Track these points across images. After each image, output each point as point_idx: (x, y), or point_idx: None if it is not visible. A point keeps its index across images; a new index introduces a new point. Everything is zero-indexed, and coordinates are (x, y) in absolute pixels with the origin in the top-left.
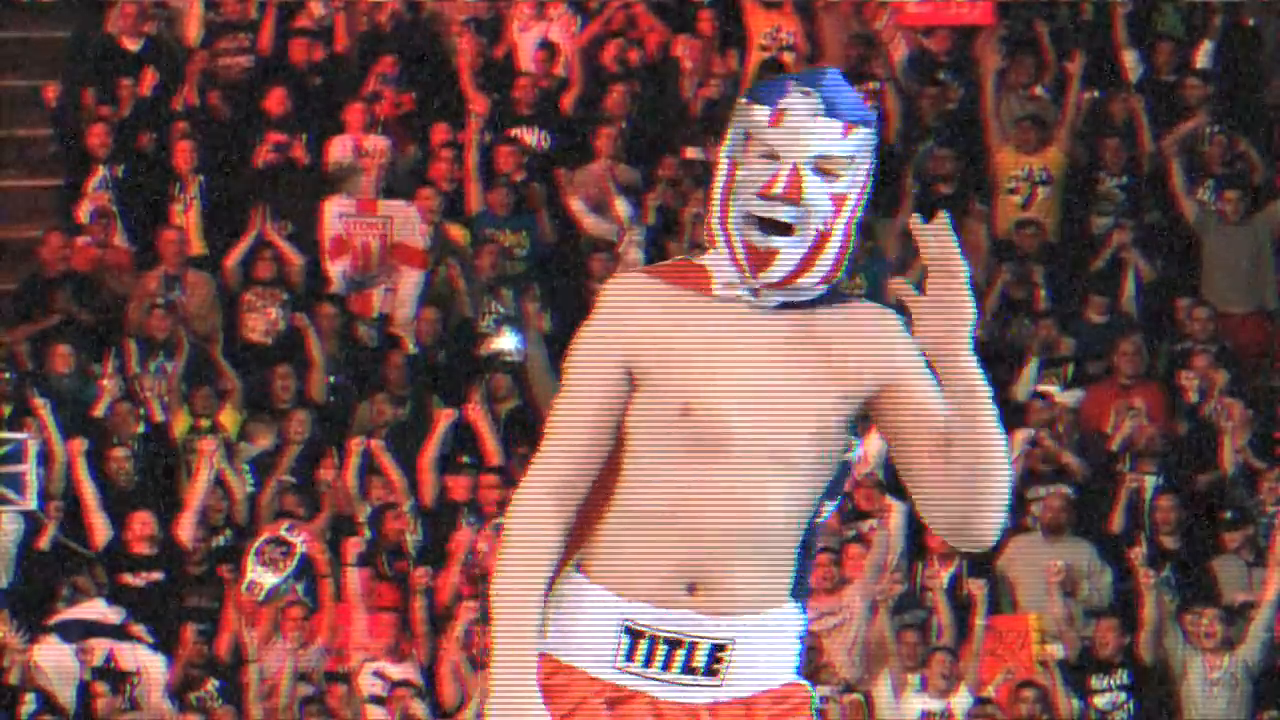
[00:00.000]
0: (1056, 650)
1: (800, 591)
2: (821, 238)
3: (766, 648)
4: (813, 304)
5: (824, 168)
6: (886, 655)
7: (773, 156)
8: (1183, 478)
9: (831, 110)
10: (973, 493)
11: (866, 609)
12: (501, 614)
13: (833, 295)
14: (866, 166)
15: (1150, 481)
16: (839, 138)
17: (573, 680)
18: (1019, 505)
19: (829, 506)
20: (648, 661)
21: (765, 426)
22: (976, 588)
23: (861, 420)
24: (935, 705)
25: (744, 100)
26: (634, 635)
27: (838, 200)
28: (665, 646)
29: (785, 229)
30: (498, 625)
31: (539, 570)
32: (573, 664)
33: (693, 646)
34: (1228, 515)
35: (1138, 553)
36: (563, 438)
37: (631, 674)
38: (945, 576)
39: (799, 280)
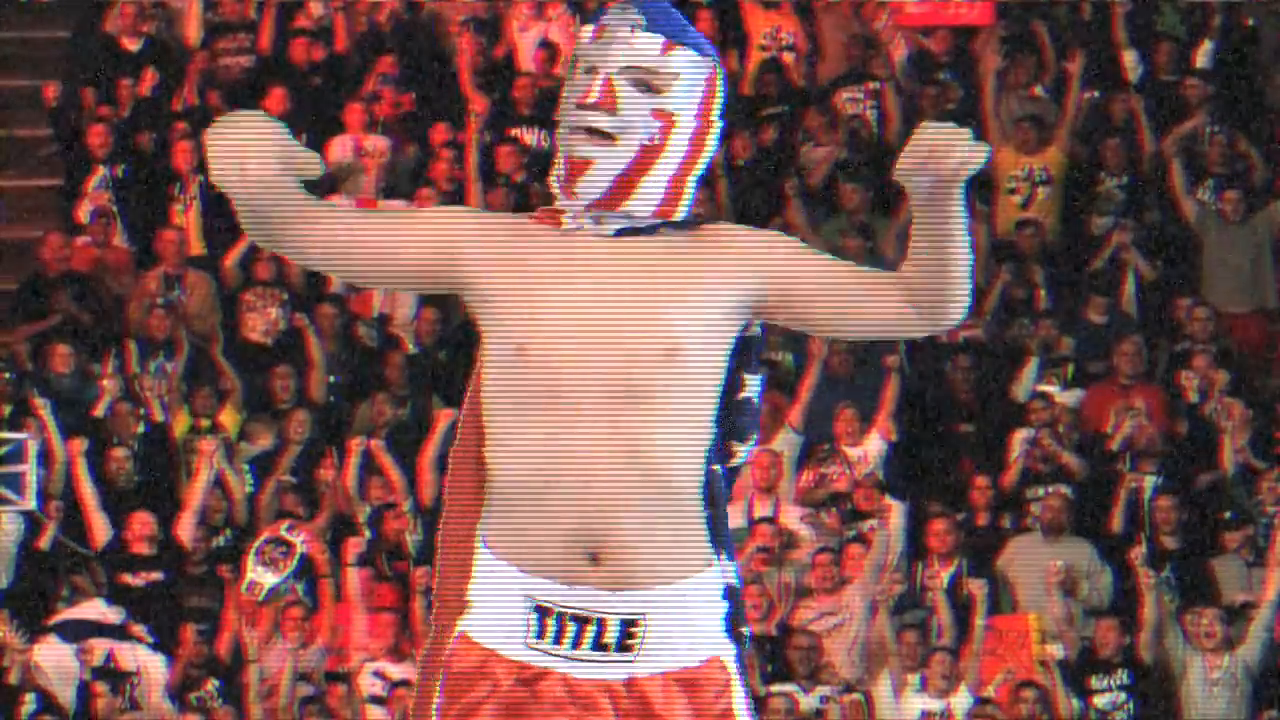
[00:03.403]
0: (1056, 650)
1: (720, 544)
2: (646, 153)
3: (682, 620)
4: (657, 232)
5: (644, 80)
6: (886, 655)
7: (592, 70)
8: (1183, 478)
9: (652, 25)
10: (943, 283)
11: (866, 609)
12: None
13: (683, 223)
14: (701, 94)
15: (1150, 481)
16: (657, 53)
17: (485, 663)
18: (1019, 505)
19: (740, 450)
20: (557, 639)
21: (605, 360)
22: (976, 588)
23: (748, 346)
24: (935, 705)
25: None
26: (543, 613)
27: (663, 117)
28: (574, 624)
29: (605, 137)
30: None
31: None
32: (485, 644)
33: (602, 623)
34: (1228, 515)
35: (1138, 553)
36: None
37: (542, 651)
38: (945, 576)
39: (625, 204)
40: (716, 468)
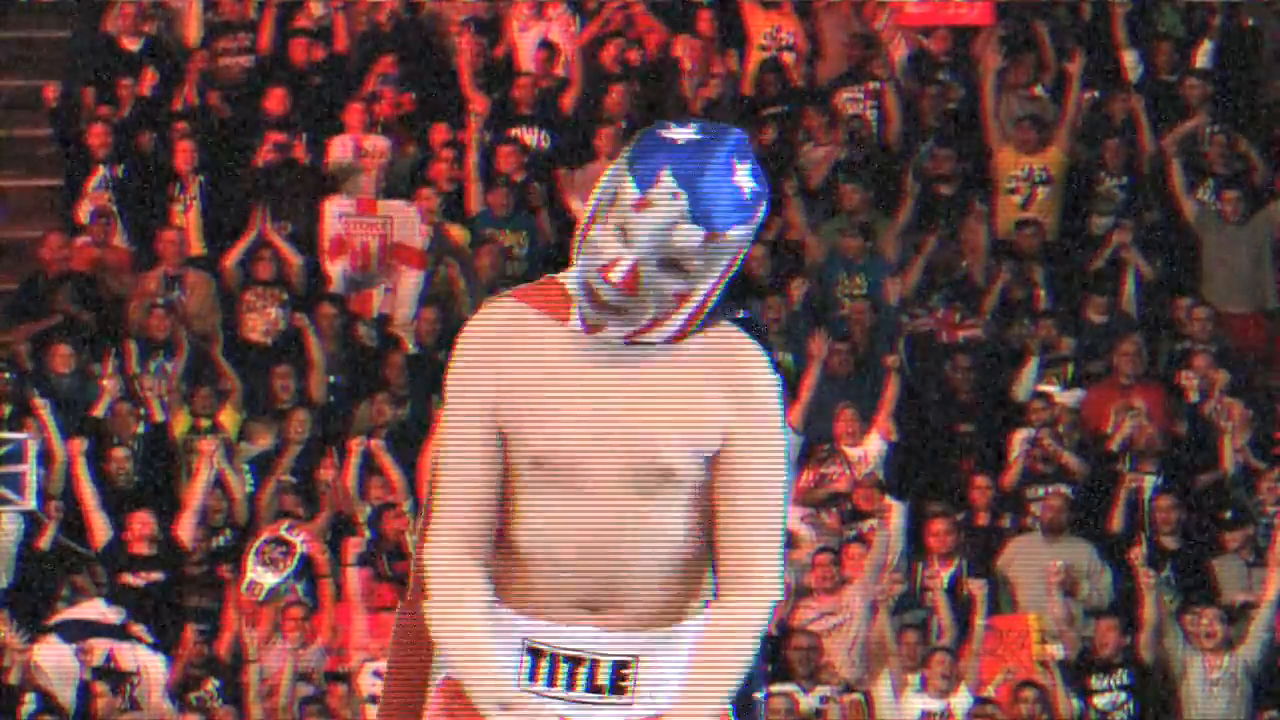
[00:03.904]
0: (1056, 650)
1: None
2: (655, 323)
3: (676, 663)
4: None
5: (673, 263)
6: (886, 655)
7: (624, 237)
8: (1183, 478)
9: (696, 213)
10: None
11: (866, 609)
12: (461, 666)
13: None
14: (728, 260)
15: (1150, 481)
16: (697, 244)
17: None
18: (1019, 505)
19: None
20: (550, 681)
21: (618, 466)
22: (976, 588)
23: None
24: (935, 705)
25: (625, 160)
26: (535, 655)
27: (680, 297)
28: (566, 665)
29: (616, 311)
30: (466, 677)
31: (475, 616)
32: None
33: (594, 664)
34: (1228, 515)
35: (1138, 553)
36: (456, 492)
37: (536, 694)
38: (945, 576)
39: (639, 339)
40: None
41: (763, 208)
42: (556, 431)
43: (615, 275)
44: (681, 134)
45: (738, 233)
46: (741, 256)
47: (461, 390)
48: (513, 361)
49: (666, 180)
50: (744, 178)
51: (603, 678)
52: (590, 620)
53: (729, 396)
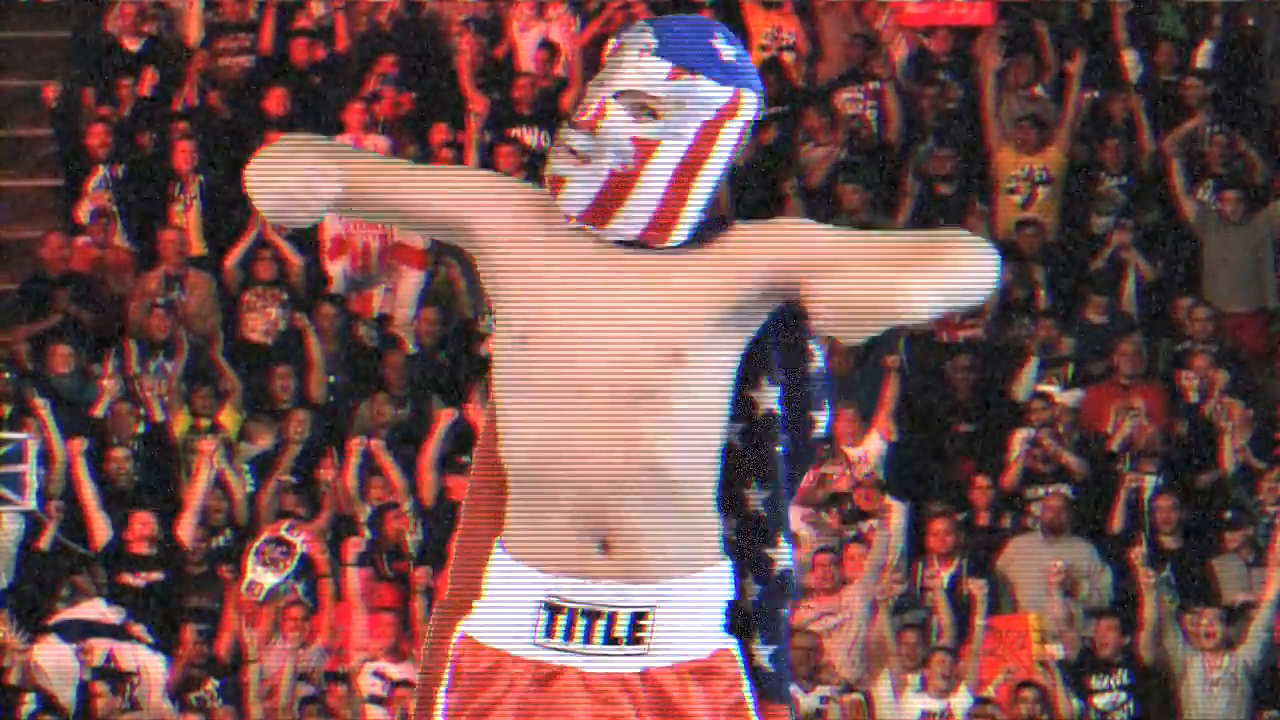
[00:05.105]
0: (1056, 650)
1: (777, 525)
2: (617, 179)
3: (690, 613)
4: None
5: (637, 104)
6: (886, 655)
7: (598, 87)
8: (1183, 478)
9: (663, 49)
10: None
11: (866, 609)
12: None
13: (694, 236)
14: (703, 122)
15: (1150, 481)
16: (661, 79)
17: (497, 664)
18: (1019, 505)
19: (820, 419)
20: (568, 635)
21: (609, 360)
22: (976, 588)
23: (758, 348)
24: (935, 705)
25: None
26: (553, 610)
27: (643, 145)
28: (584, 620)
29: (576, 157)
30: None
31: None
32: (493, 646)
33: (613, 617)
34: (1228, 515)
35: (1138, 553)
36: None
37: (554, 649)
38: (945, 576)
39: (609, 224)
40: (778, 448)
41: (749, 96)
42: (545, 308)
43: (583, 115)
44: None
45: (709, 85)
46: (723, 138)
47: (463, 173)
48: (515, 223)
49: (640, 24)
50: (724, 46)
51: (620, 629)
52: (606, 567)
53: (741, 257)
